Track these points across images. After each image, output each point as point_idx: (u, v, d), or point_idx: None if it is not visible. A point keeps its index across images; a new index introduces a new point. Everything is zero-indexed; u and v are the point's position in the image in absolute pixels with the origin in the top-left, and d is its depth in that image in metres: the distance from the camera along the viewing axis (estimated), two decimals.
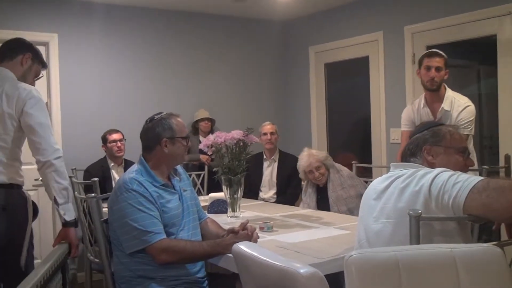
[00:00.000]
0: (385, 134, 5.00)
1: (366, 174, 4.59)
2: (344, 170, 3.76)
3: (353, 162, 4.22)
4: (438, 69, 3.37)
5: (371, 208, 1.99)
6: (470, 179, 1.75)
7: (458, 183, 1.76)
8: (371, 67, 5.15)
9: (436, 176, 1.82)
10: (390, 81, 4.94)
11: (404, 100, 4.75)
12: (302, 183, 4.20)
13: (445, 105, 3.39)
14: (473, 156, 3.46)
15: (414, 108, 3.56)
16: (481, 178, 1.76)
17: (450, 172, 1.83)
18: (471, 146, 3.44)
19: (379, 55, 5.03)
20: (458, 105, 3.36)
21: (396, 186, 1.91)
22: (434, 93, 3.44)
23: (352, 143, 5.73)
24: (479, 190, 1.71)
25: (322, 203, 3.71)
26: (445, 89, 3.45)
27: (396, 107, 4.85)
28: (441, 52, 3.45)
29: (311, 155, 3.73)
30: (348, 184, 3.63)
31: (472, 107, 3.36)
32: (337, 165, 3.82)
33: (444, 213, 1.78)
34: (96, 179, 3.58)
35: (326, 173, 3.72)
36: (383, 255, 1.47)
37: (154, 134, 2.42)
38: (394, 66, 4.88)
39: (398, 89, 4.83)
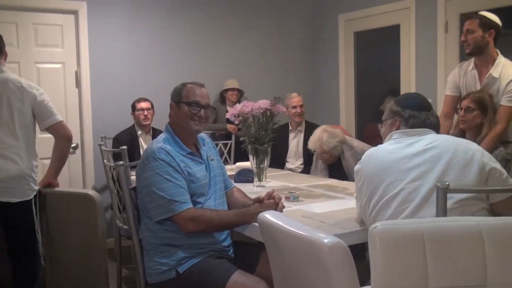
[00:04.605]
0: None
1: None
2: (358, 146, 3.67)
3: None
4: (468, 31, 3.21)
5: (404, 173, 1.97)
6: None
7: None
8: (402, 36, 5.04)
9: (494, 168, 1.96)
10: (422, 51, 4.83)
11: (435, 70, 4.64)
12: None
13: (494, 72, 3.17)
14: None
15: (461, 72, 3.38)
16: None
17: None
18: None
19: (410, 24, 4.91)
20: (508, 74, 3.14)
21: (450, 160, 1.95)
22: (482, 58, 3.23)
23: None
24: None
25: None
26: (497, 54, 3.23)
27: (427, 78, 4.75)
28: (476, 13, 3.26)
29: (320, 139, 3.64)
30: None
31: None
32: (349, 140, 3.74)
33: None
34: (124, 147, 3.63)
35: (330, 158, 3.68)
36: (408, 226, 1.46)
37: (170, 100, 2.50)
38: (426, 35, 4.75)
39: (429, 59, 4.72)
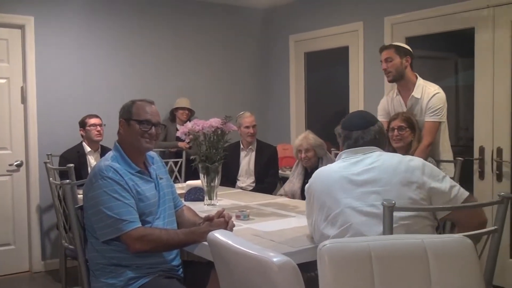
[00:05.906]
0: None
1: None
2: (332, 159, 3.79)
3: (332, 149, 4.26)
4: (387, 60, 3.50)
5: (346, 192, 2.00)
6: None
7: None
8: (351, 57, 5.17)
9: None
10: (369, 72, 4.96)
11: (382, 91, 4.77)
12: (287, 166, 4.21)
13: (415, 93, 3.46)
14: (446, 147, 3.51)
15: (389, 99, 3.69)
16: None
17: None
18: (446, 136, 3.51)
19: (359, 46, 5.04)
20: (428, 93, 3.43)
21: (389, 180, 1.98)
22: (403, 83, 3.53)
23: (331, 132, 5.73)
24: None
25: None
26: (416, 78, 3.52)
27: (374, 98, 4.87)
28: (389, 44, 3.63)
29: (306, 137, 3.85)
30: None
31: (441, 95, 3.42)
32: (332, 157, 3.89)
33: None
34: (71, 165, 3.54)
35: (313, 158, 3.82)
36: (356, 245, 1.48)
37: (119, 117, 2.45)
38: (374, 56, 4.88)
39: (376, 79, 4.86)
